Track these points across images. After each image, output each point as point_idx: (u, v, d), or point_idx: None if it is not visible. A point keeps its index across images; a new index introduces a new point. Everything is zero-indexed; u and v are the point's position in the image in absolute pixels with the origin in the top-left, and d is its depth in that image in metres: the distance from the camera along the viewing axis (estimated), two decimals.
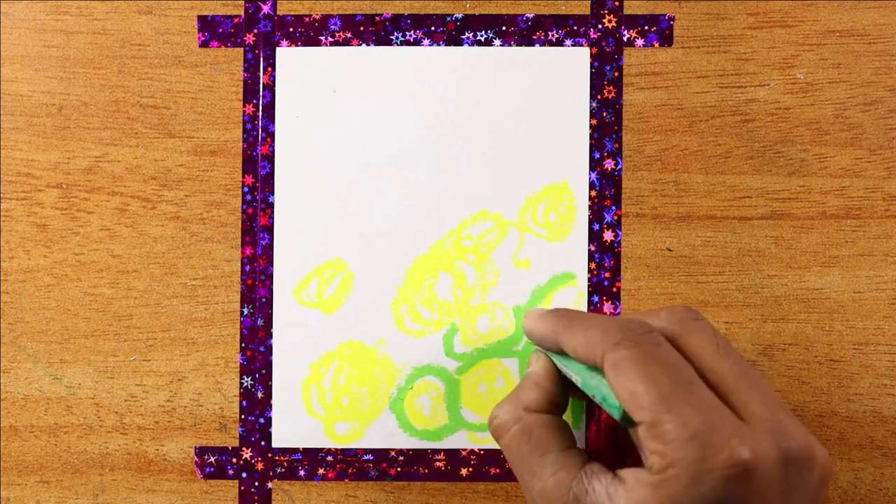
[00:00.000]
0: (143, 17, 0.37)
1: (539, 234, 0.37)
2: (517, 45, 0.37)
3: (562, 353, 0.30)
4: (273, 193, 0.37)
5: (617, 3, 0.37)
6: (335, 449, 0.37)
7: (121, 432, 0.37)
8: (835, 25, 0.37)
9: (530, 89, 0.37)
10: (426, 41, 0.37)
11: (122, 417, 0.37)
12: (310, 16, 0.37)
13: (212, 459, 0.37)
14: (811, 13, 0.37)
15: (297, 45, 0.37)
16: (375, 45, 0.37)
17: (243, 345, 0.37)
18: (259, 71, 0.37)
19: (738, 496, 0.25)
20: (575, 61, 0.37)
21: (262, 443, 0.37)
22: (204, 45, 0.37)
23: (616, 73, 0.37)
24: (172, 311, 0.37)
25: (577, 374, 0.29)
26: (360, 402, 0.37)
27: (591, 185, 0.37)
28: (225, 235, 0.37)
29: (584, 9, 0.37)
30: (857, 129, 0.37)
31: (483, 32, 0.37)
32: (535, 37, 0.37)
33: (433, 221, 0.37)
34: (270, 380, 0.37)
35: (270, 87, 0.37)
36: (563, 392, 0.31)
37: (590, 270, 0.37)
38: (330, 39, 0.37)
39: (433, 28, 0.37)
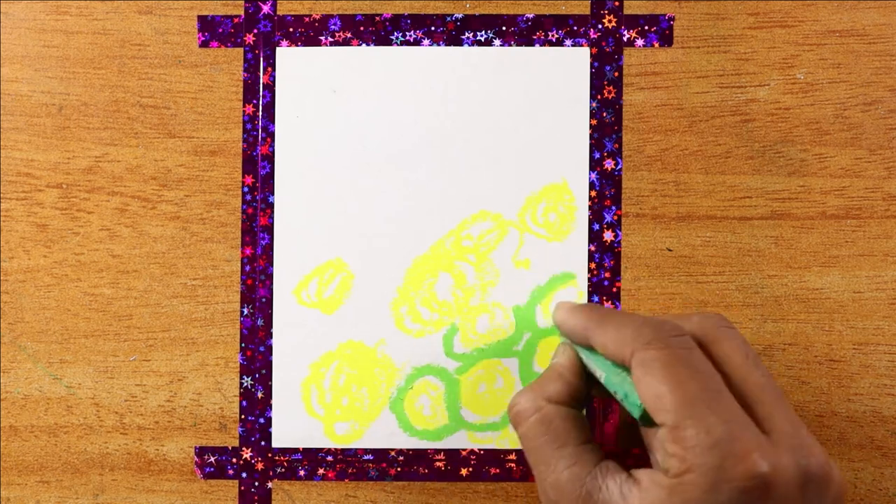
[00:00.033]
0: (143, 17, 0.37)
1: (539, 234, 0.37)
2: (517, 45, 0.37)
3: (588, 347, 0.30)
4: (273, 193, 0.37)
5: (617, 3, 0.37)
6: (335, 449, 0.37)
7: (121, 432, 0.37)
8: (835, 25, 0.37)
9: (530, 89, 0.37)
10: (426, 41, 0.37)
11: (122, 417, 0.37)
12: (310, 16, 0.37)
13: (212, 459, 0.37)
14: (811, 13, 0.37)
15: (297, 45, 0.37)
16: (375, 45, 0.37)
17: (243, 345, 0.37)
18: (259, 71, 0.37)
19: None
20: (575, 61, 0.37)
21: (262, 443, 0.37)
22: (204, 45, 0.37)
23: (616, 73, 0.37)
24: (172, 311, 0.37)
25: (602, 370, 0.29)
26: (360, 402, 0.37)
27: (591, 185, 0.37)
28: (225, 235, 0.37)
29: (584, 9, 0.37)
30: (857, 129, 0.37)
31: (483, 32, 0.37)
32: (535, 37, 0.37)
33: (433, 221, 0.37)
34: (270, 380, 0.37)
35: (270, 87, 0.37)
36: (585, 386, 0.31)
37: (590, 270, 0.37)
38: (330, 39, 0.37)
39: (433, 28, 0.37)
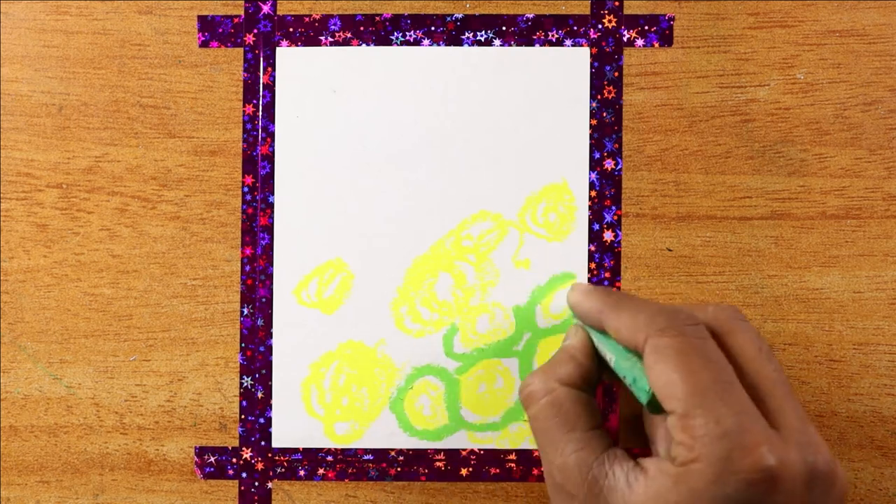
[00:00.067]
0: (143, 17, 0.37)
1: (539, 234, 0.37)
2: (517, 45, 0.37)
3: (601, 330, 0.30)
4: (273, 193, 0.37)
5: (617, 3, 0.37)
6: (335, 449, 0.37)
7: (121, 432, 0.37)
8: (835, 25, 0.37)
9: (530, 89, 0.37)
10: (426, 41, 0.37)
11: (122, 417, 0.37)
12: (310, 16, 0.37)
13: (212, 459, 0.37)
14: (811, 13, 0.37)
15: (297, 45, 0.37)
16: (375, 45, 0.37)
17: (243, 345, 0.37)
18: (259, 71, 0.37)
19: (759, 502, 0.25)
20: (575, 61, 0.37)
21: (262, 443, 0.37)
22: (204, 45, 0.37)
23: (616, 73, 0.37)
24: (172, 311, 0.37)
25: (613, 353, 0.29)
26: (360, 402, 0.37)
27: (591, 185, 0.37)
28: (225, 235, 0.37)
29: (584, 9, 0.37)
30: (857, 129, 0.37)
31: (483, 32, 0.37)
32: (535, 37, 0.37)
33: (433, 221, 0.37)
34: (270, 380, 0.37)
35: (270, 87, 0.37)
36: (597, 370, 0.31)
37: (590, 270, 0.37)
38: (330, 39, 0.37)
39: (433, 28, 0.37)
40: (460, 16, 0.37)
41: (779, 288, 0.36)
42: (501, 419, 0.37)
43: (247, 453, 0.37)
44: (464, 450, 0.37)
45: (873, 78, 0.37)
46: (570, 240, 0.37)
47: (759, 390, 0.27)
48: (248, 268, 0.37)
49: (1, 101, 0.37)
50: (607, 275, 0.37)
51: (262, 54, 0.37)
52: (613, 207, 0.37)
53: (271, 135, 0.37)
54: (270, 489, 0.37)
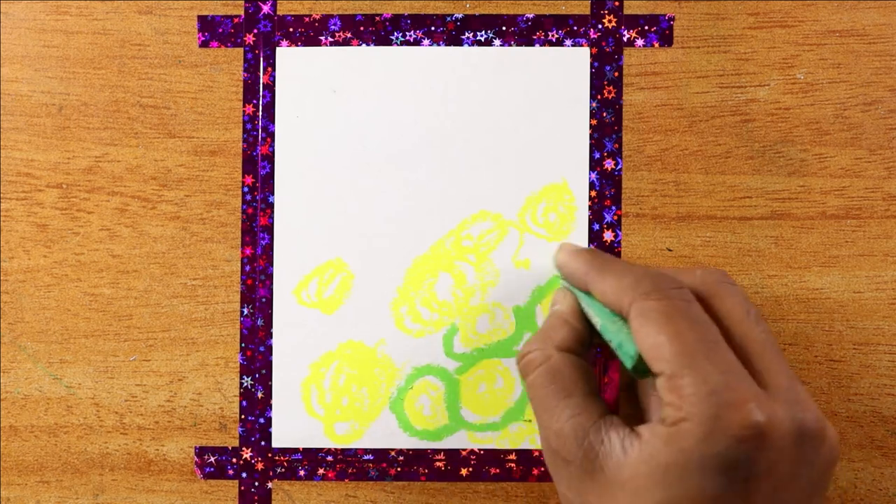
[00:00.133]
0: (143, 17, 0.37)
1: (539, 234, 0.37)
2: (517, 45, 0.37)
3: (587, 292, 0.30)
4: (273, 193, 0.37)
5: (617, 3, 0.37)
6: (335, 449, 0.37)
7: (121, 432, 0.37)
8: (835, 25, 0.37)
9: (530, 89, 0.37)
10: (426, 41, 0.37)
11: (122, 417, 0.37)
12: (310, 16, 0.37)
13: (212, 459, 0.37)
14: (811, 13, 0.37)
15: (297, 45, 0.37)
16: (375, 45, 0.37)
17: (243, 345, 0.37)
18: (259, 71, 0.37)
19: (749, 458, 0.25)
20: (575, 61, 0.37)
21: (262, 443, 0.37)
22: (204, 45, 0.37)
23: (616, 73, 0.37)
24: (172, 311, 0.37)
25: (599, 317, 0.29)
26: (360, 402, 0.37)
27: (591, 185, 0.37)
28: (225, 235, 0.37)
29: (584, 9, 0.37)
30: (857, 129, 0.37)
31: (483, 32, 0.37)
32: (535, 37, 0.37)
33: (433, 221, 0.37)
34: (270, 380, 0.37)
35: (270, 87, 0.37)
36: (589, 331, 0.31)
37: None
38: (330, 39, 0.37)
39: (433, 28, 0.37)
40: (460, 16, 0.37)
41: (779, 288, 0.36)
42: (501, 419, 0.37)
43: (247, 453, 0.37)
44: (464, 450, 0.37)
45: (873, 78, 0.37)
46: (571, 240, 0.37)
47: (747, 351, 0.27)
48: (248, 268, 0.37)
49: (1, 101, 0.37)
50: None
51: (262, 54, 0.37)
52: (613, 207, 0.37)
53: (271, 135, 0.37)
54: (270, 489, 0.37)
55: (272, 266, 0.37)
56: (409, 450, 0.37)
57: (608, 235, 0.37)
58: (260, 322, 0.37)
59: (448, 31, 0.37)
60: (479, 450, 0.37)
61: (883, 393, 0.36)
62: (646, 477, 0.25)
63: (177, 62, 0.37)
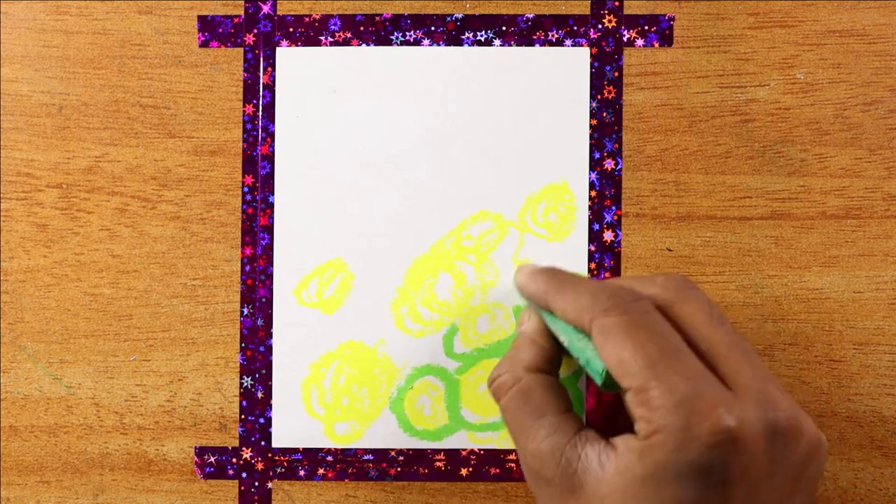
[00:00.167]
0: (143, 17, 0.37)
1: (539, 234, 0.37)
2: (517, 45, 0.37)
3: (551, 312, 0.31)
4: (273, 193, 0.37)
5: (617, 3, 0.37)
6: (335, 449, 0.37)
7: (121, 432, 0.37)
8: (835, 25, 0.37)
9: (530, 89, 0.37)
10: (426, 41, 0.37)
11: (122, 417, 0.37)
12: (310, 16, 0.37)
13: (212, 459, 0.37)
14: (811, 13, 0.37)
15: (297, 45, 0.37)
16: (375, 45, 0.37)
17: (243, 345, 0.37)
18: (259, 71, 0.37)
19: (723, 463, 0.25)
20: (575, 61, 0.37)
21: (262, 443, 0.37)
22: (204, 45, 0.37)
23: (616, 73, 0.37)
24: (172, 311, 0.37)
25: (565, 335, 0.30)
26: (360, 402, 0.37)
27: (591, 185, 0.37)
28: (225, 235, 0.37)
29: (584, 9, 0.37)
30: (857, 129, 0.37)
31: (483, 32, 0.37)
32: (535, 37, 0.37)
33: (433, 221, 0.37)
34: (270, 380, 0.37)
35: (270, 87, 0.37)
36: (557, 349, 0.31)
37: (590, 270, 0.37)
38: (330, 39, 0.37)
39: (433, 28, 0.37)
40: (460, 16, 0.37)
41: (779, 288, 0.36)
42: (501, 419, 0.37)
43: (247, 453, 0.37)
44: (464, 450, 0.37)
45: (873, 78, 0.37)
46: (570, 240, 0.37)
47: (712, 355, 0.27)
48: (248, 268, 0.37)
49: (1, 101, 0.37)
50: (607, 275, 0.37)
51: (262, 54, 0.37)
52: (613, 207, 0.37)
53: (271, 135, 0.37)
54: (270, 489, 0.37)
55: (272, 266, 0.37)
56: (409, 450, 0.37)
57: (608, 235, 0.37)
58: (260, 322, 0.37)
59: (448, 31, 0.37)
60: (480, 450, 0.37)
61: (883, 393, 0.36)
62: (623, 490, 0.26)
63: (177, 62, 0.37)
